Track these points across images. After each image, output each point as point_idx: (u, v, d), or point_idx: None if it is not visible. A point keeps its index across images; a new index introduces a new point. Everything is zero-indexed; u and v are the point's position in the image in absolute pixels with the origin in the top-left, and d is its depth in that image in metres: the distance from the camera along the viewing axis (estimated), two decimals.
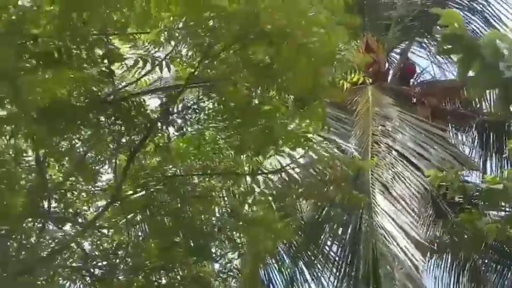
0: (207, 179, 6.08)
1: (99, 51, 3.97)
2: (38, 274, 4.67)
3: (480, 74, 3.40)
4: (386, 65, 10.27)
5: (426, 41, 10.67)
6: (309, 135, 4.36)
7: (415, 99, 9.85)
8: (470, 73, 3.46)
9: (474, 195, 7.82)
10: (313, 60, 3.52)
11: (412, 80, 10.34)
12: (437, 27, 3.37)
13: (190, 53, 5.07)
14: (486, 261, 9.25)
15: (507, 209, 6.85)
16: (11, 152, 4.66)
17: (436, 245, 8.55)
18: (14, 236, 4.66)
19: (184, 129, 5.95)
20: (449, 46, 3.48)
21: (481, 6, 10.03)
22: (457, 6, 10.29)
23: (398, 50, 10.82)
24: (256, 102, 4.34)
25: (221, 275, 5.95)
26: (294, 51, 3.48)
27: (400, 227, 6.91)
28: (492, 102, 9.67)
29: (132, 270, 5.63)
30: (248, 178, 5.86)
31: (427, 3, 10.34)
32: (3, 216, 4.17)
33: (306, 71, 3.56)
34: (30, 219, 4.74)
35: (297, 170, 5.63)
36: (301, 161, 5.11)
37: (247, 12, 3.42)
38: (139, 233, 6.63)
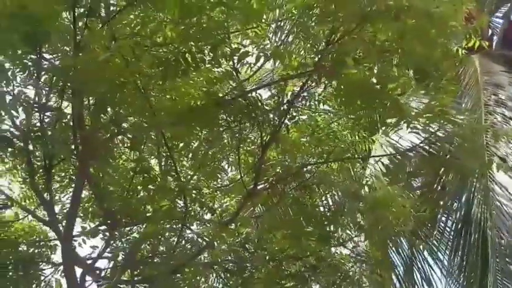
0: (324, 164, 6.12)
1: (223, 51, 4.07)
2: (185, 272, 4.87)
3: None
4: (490, 31, 9.88)
5: None
6: (445, 109, 4.26)
7: None
8: None
9: None
10: (439, 31, 3.45)
11: None
12: None
13: (299, 43, 5.15)
14: None
15: None
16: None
17: None
18: (161, 238, 4.88)
19: (297, 118, 6.02)
20: None
21: None
22: None
23: (500, 14, 10.34)
24: (375, 81, 4.29)
25: (351, 259, 5.95)
26: (423, 23, 3.41)
27: None
28: None
29: (262, 262, 5.75)
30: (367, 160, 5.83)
31: None
32: (153, 219, 4.38)
33: (434, 42, 3.49)
34: (172, 221, 4.94)
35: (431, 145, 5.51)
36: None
37: None
38: (262, 225, 6.77)
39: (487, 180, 7.21)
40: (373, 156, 6.38)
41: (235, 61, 4.22)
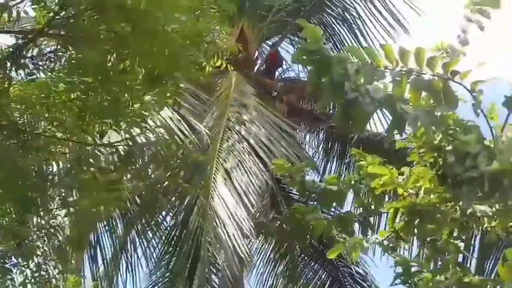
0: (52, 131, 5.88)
1: None
2: None
3: (327, 89, 3.55)
4: (256, 54, 10.49)
5: (297, 39, 11.03)
6: (148, 116, 4.39)
7: (275, 94, 10.21)
8: None
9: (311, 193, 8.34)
10: (170, 44, 3.53)
11: (277, 75, 10.66)
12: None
13: None
14: (306, 257, 9.81)
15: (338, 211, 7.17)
16: None
17: (263, 233, 8.89)
18: None
19: (36, 76, 5.71)
20: (304, 57, 3.60)
21: (352, 18, 10.53)
22: (331, 13, 10.73)
23: (270, 43, 11.06)
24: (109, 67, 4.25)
25: (43, 230, 5.78)
26: (150, 34, 3.45)
27: (231, 215, 7.17)
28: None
29: None
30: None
31: (303, 2, 10.69)
32: None
33: (160, 53, 3.56)
34: None
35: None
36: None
37: None
38: None
39: (208, 190, 7.61)
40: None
41: None
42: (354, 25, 10.42)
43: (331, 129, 10.23)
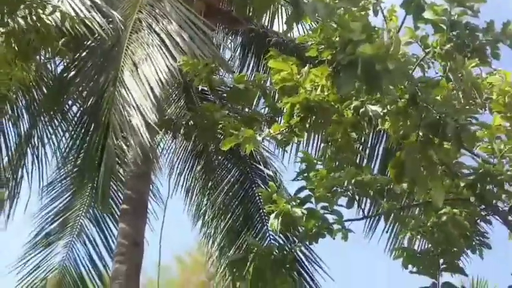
0: None
1: None
2: None
3: None
4: None
5: None
6: None
7: None
8: None
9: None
10: None
11: None
12: None
13: None
14: (219, 156, 9.89)
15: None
16: None
17: (176, 129, 8.75)
18: None
19: None
20: None
21: None
22: None
23: None
24: None
25: None
26: None
27: (137, 107, 7.00)
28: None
29: None
30: None
31: None
32: None
33: None
34: None
35: None
36: None
37: None
38: None
39: (116, 82, 7.33)
40: None
41: None
42: None
43: (249, 33, 10.06)
